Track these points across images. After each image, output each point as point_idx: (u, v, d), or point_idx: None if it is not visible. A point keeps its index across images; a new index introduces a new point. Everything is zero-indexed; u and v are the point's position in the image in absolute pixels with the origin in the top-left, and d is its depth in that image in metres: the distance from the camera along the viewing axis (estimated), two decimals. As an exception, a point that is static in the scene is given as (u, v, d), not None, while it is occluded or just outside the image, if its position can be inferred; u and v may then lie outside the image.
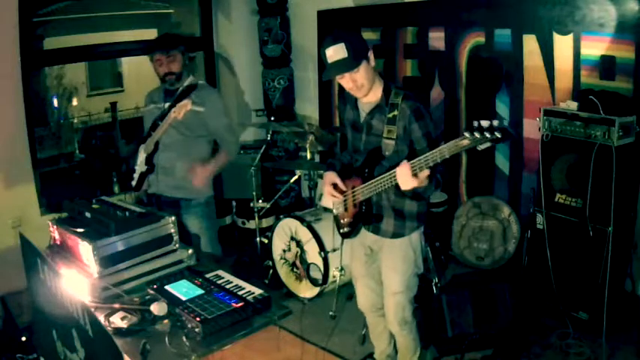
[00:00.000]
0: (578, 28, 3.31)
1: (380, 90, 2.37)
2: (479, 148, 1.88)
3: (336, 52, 2.20)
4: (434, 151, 2.03)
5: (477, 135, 1.83)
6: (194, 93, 3.01)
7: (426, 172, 2.11)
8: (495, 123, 1.80)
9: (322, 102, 5.02)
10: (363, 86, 2.29)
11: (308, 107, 5.15)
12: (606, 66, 3.23)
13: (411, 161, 2.12)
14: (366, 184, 2.37)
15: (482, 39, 3.82)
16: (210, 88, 3.29)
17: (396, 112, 2.29)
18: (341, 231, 2.63)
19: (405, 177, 2.13)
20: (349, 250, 2.81)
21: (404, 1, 4.20)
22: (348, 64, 2.21)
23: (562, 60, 3.43)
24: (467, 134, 1.86)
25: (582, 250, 3.05)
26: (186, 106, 2.83)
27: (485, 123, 1.81)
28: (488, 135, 1.81)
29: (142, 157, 3.12)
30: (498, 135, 1.80)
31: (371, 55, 2.29)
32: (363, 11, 4.44)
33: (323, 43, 2.25)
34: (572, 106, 3.10)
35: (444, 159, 2.01)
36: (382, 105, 2.35)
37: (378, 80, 2.37)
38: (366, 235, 2.57)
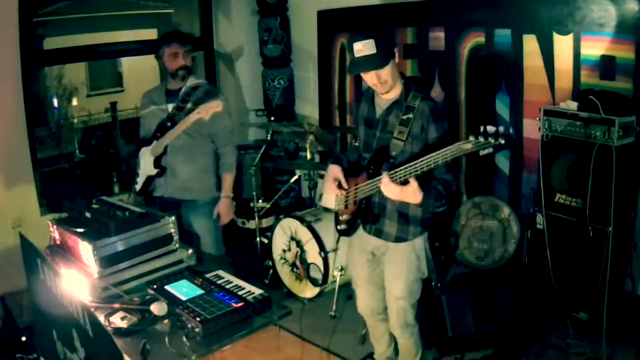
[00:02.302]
0: (578, 28, 3.31)
1: (400, 87, 2.36)
2: (481, 154, 1.87)
3: (365, 47, 2.17)
4: (432, 154, 2.01)
5: (481, 139, 1.83)
6: (195, 93, 3.01)
7: (414, 184, 2.09)
8: (501, 129, 1.81)
9: (322, 102, 5.01)
10: (386, 82, 2.28)
11: (308, 107, 5.15)
12: (606, 66, 3.23)
13: (393, 170, 2.12)
14: (368, 182, 2.36)
15: (482, 39, 3.82)
16: (213, 88, 3.29)
17: (410, 115, 2.28)
18: (338, 227, 2.61)
19: (388, 186, 2.12)
20: (348, 255, 2.80)
21: (404, 1, 4.20)
22: (376, 62, 2.19)
23: (562, 60, 3.43)
24: (472, 138, 1.86)
25: (582, 250, 3.05)
26: (217, 106, 2.79)
27: (490, 128, 1.82)
28: (492, 140, 1.81)
29: (147, 160, 3.09)
30: (502, 141, 1.80)
31: (397, 52, 2.28)
32: (363, 11, 4.44)
33: (351, 36, 2.23)
34: (572, 106, 3.10)
35: (445, 162, 1.99)
36: (401, 102, 2.33)
37: (399, 78, 2.35)
38: (367, 240, 2.56)
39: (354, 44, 2.19)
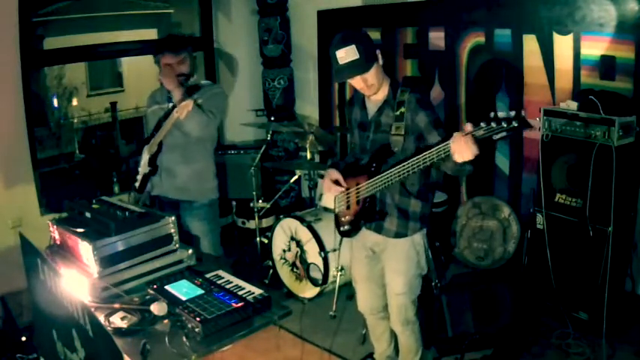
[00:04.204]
0: (578, 28, 3.31)
1: (387, 87, 2.39)
2: (495, 138, 1.88)
3: (347, 54, 2.20)
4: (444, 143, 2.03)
5: (493, 125, 1.85)
6: (197, 92, 2.99)
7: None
8: (512, 113, 1.84)
9: (322, 102, 5.01)
10: (373, 85, 2.31)
11: (308, 107, 5.15)
12: (606, 66, 3.23)
13: (471, 130, 1.97)
14: (373, 179, 2.36)
15: (482, 39, 3.82)
16: (216, 86, 3.26)
17: (403, 109, 2.31)
18: (341, 229, 2.60)
19: (464, 147, 1.97)
20: (349, 252, 2.80)
21: (404, 1, 4.20)
22: (360, 67, 2.22)
23: (562, 60, 3.43)
24: (483, 124, 1.88)
25: (582, 250, 3.05)
26: (187, 106, 2.79)
27: (501, 114, 1.84)
28: (504, 124, 1.83)
29: (145, 158, 3.10)
30: (515, 124, 1.83)
31: (379, 54, 2.30)
32: (363, 11, 4.44)
33: (332, 44, 2.25)
34: (572, 106, 3.10)
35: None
36: (390, 100, 2.36)
37: (385, 78, 2.38)
38: (367, 237, 2.56)
39: (336, 52, 2.22)
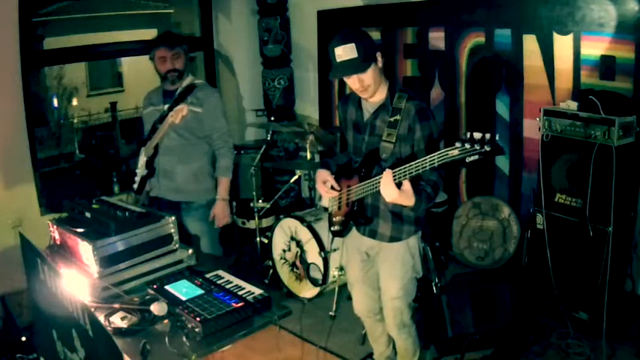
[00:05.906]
0: (578, 28, 3.31)
1: (385, 90, 2.34)
2: (467, 161, 1.84)
3: (345, 52, 2.16)
4: (419, 160, 2.00)
5: (467, 146, 1.81)
6: (192, 94, 3.00)
7: (409, 186, 2.07)
8: (487, 136, 1.78)
9: (322, 102, 5.01)
10: (369, 87, 2.26)
11: (308, 107, 5.15)
12: (606, 66, 3.23)
13: (394, 169, 2.09)
14: (360, 184, 2.36)
15: (482, 39, 3.82)
16: (210, 88, 3.26)
17: (398, 117, 2.27)
18: (332, 229, 2.60)
19: (388, 185, 2.09)
20: (345, 255, 2.80)
21: (404, 1, 4.20)
22: (356, 66, 2.18)
23: (562, 60, 3.43)
24: (457, 144, 1.84)
25: (582, 250, 3.05)
26: (182, 110, 2.81)
27: (477, 135, 1.79)
28: (477, 147, 1.78)
29: (142, 160, 3.11)
30: (487, 148, 1.77)
31: (379, 56, 2.26)
32: (363, 11, 4.44)
33: (332, 40, 2.21)
34: (572, 106, 3.10)
35: (432, 168, 1.97)
36: (387, 104, 2.33)
37: (383, 80, 2.34)
38: (362, 241, 2.55)
39: (335, 49, 2.19)
